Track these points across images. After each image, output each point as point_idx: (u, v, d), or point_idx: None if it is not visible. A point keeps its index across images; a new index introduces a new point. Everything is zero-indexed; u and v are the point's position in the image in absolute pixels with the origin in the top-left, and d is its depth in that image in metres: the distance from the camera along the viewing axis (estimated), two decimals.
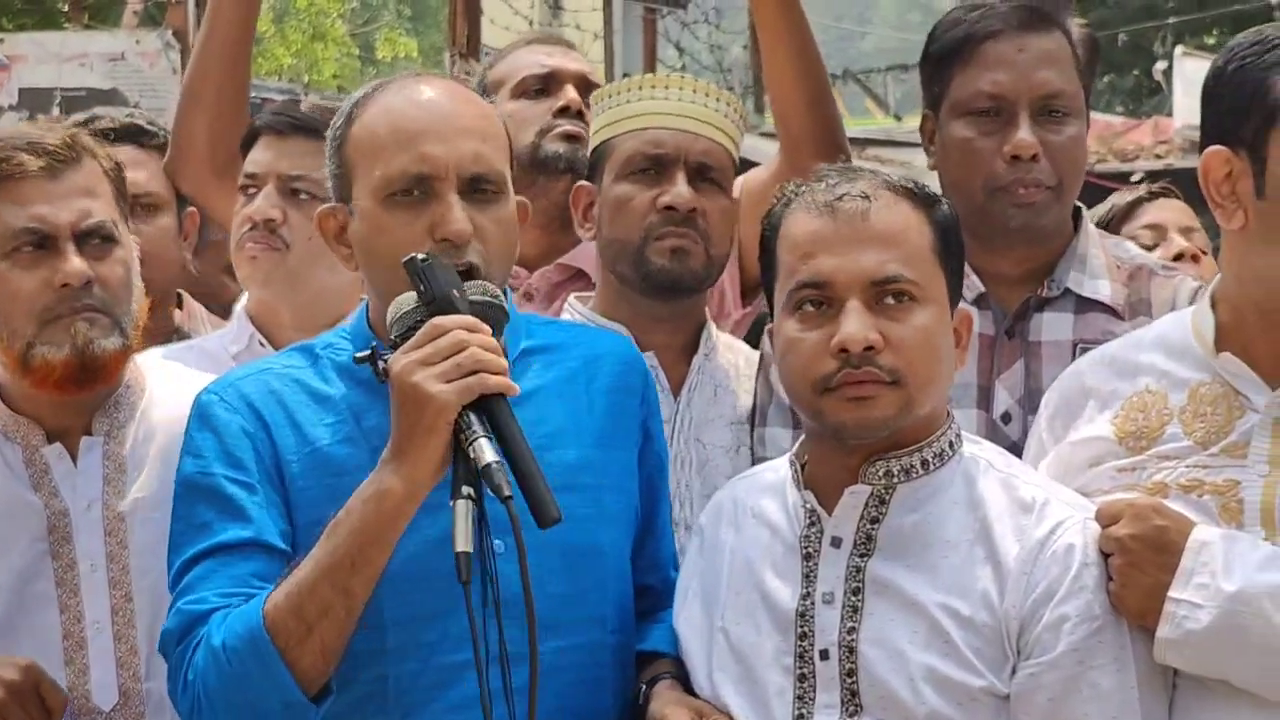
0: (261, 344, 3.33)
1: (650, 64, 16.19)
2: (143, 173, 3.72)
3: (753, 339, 3.30)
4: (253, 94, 3.83)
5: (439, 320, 2.27)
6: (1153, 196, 4.21)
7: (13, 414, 2.72)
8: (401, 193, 2.44)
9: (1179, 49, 16.27)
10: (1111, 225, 4.03)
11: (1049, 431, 2.63)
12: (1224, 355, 2.45)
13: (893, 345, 2.36)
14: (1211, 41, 19.36)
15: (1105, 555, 2.35)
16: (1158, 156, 13.15)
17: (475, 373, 2.23)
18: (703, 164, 3.06)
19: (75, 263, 2.65)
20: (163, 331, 3.63)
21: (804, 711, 2.37)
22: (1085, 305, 3.02)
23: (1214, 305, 2.49)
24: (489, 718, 2.19)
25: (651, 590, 2.63)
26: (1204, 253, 4.06)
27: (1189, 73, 13.69)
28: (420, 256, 2.33)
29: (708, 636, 2.49)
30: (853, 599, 2.38)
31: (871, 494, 2.42)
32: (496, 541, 2.24)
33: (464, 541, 2.18)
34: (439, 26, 23.00)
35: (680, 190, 3.03)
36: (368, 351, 2.36)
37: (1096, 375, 2.60)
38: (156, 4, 11.47)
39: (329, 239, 2.55)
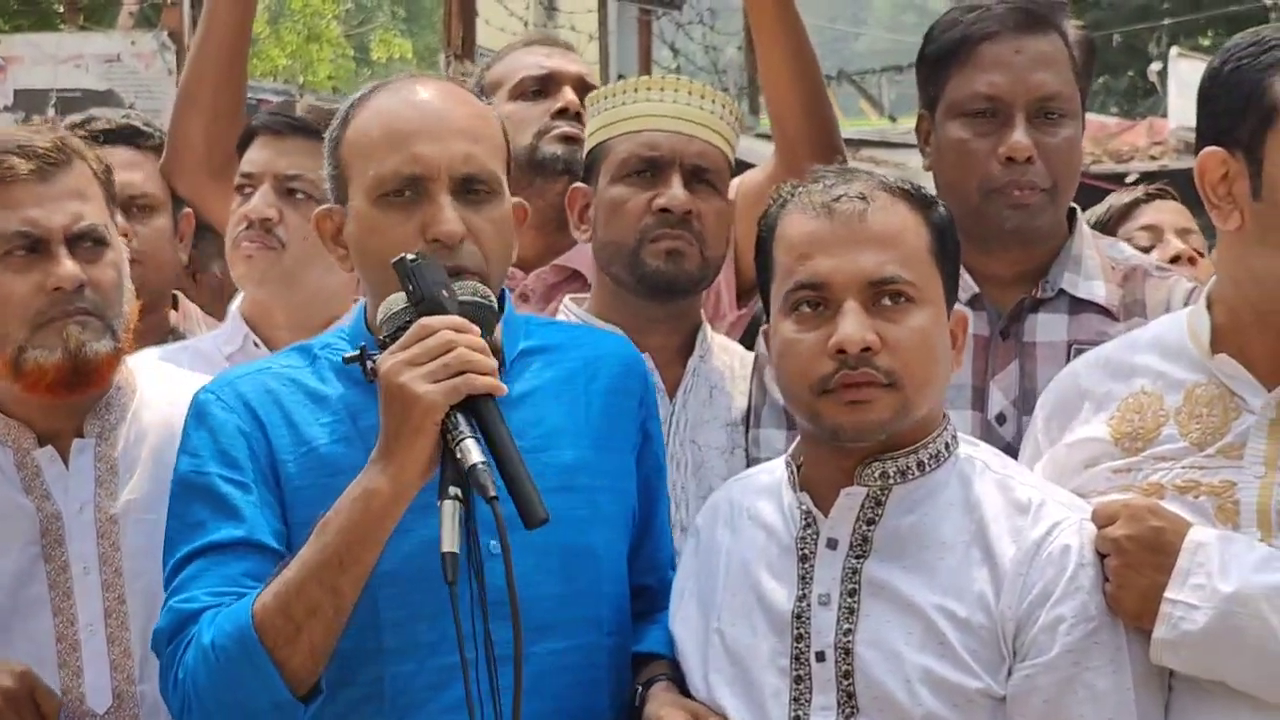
0: (256, 345, 3.33)
1: (645, 65, 16.21)
2: (138, 174, 3.72)
3: (748, 341, 3.30)
4: (248, 95, 3.83)
5: (427, 320, 2.27)
6: (1150, 198, 4.21)
7: (3, 417, 2.71)
8: (394, 193, 2.44)
9: (1174, 50, 16.29)
10: (1109, 226, 4.03)
11: (1044, 433, 2.63)
12: (1220, 356, 2.45)
13: (890, 346, 2.36)
14: (1206, 43, 19.40)
15: (1101, 556, 2.35)
16: (1152, 158, 13.17)
17: (462, 373, 2.23)
18: (698, 166, 3.07)
19: (68, 266, 2.65)
20: (158, 332, 3.63)
21: (800, 713, 2.37)
22: (1080, 306, 3.02)
23: (1210, 306, 2.49)
24: (473, 717, 2.19)
25: (649, 591, 2.63)
26: (1200, 254, 4.06)
27: (1184, 74, 13.72)
28: (409, 257, 2.32)
29: (703, 638, 2.49)
30: (849, 600, 2.38)
31: (867, 495, 2.41)
32: (493, 542, 2.24)
33: (450, 542, 2.17)
34: (434, 28, 23.00)
35: (675, 192, 3.03)
36: (356, 352, 2.37)
37: (1092, 377, 2.60)
38: (152, 5, 11.47)
39: (326, 240, 2.55)
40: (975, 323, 2.88)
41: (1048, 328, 3.02)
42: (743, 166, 3.33)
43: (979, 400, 2.99)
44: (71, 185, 2.70)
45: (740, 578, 2.48)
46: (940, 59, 3.05)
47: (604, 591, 2.52)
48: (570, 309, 3.18)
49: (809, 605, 2.40)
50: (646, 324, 3.05)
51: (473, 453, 2.19)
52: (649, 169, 3.06)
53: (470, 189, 2.45)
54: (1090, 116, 3.78)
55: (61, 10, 13.32)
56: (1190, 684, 2.36)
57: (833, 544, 2.41)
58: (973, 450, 2.48)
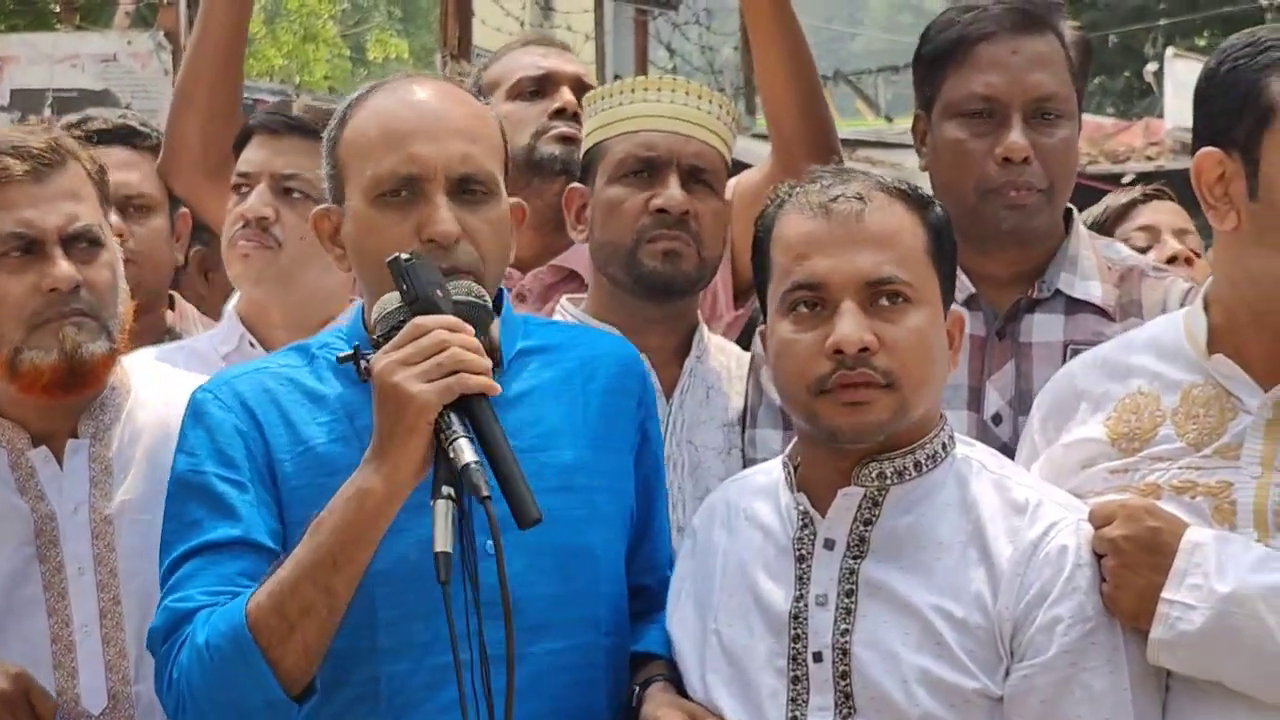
0: (252, 344, 3.33)
1: (641, 66, 16.21)
2: (135, 174, 3.72)
3: (745, 341, 3.30)
4: (244, 95, 3.83)
5: (421, 320, 2.27)
6: (1147, 199, 4.21)
7: None
8: (390, 193, 2.44)
9: (1170, 51, 16.29)
10: (1106, 227, 4.04)
11: (1041, 433, 2.63)
12: (1216, 357, 2.45)
13: (887, 347, 2.36)
14: (1202, 43, 19.40)
15: (1098, 557, 2.35)
16: (1148, 158, 13.17)
17: (456, 372, 2.23)
18: (695, 166, 3.06)
19: (63, 267, 2.64)
20: (155, 332, 3.63)
21: (797, 714, 2.37)
22: (1076, 306, 3.02)
23: (1206, 307, 2.49)
24: (466, 717, 2.19)
25: (648, 591, 2.62)
26: (1197, 255, 4.06)
27: (1180, 74, 13.72)
28: (404, 256, 2.32)
29: (700, 639, 2.49)
30: (846, 601, 2.38)
31: (865, 496, 2.41)
32: (489, 542, 2.23)
33: (443, 542, 2.17)
34: (430, 28, 22.98)
35: (673, 193, 3.03)
36: (351, 351, 2.37)
37: (1089, 377, 2.60)
38: (148, 5, 11.45)
39: (324, 240, 2.55)
40: (971, 323, 2.88)
41: (1044, 328, 3.02)
42: (739, 167, 3.33)
43: (975, 400, 2.99)
44: (66, 186, 2.69)
45: (737, 578, 2.48)
46: (937, 59, 3.05)
47: (602, 591, 2.51)
48: (567, 309, 3.18)
49: (806, 606, 2.40)
50: (643, 324, 3.05)
51: (466, 452, 2.19)
52: (646, 169, 3.06)
53: (467, 189, 2.45)
54: (1086, 117, 3.79)
55: (57, 10, 13.31)
56: (1187, 684, 2.36)
57: (830, 544, 2.41)
58: (970, 450, 2.48)
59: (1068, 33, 3.16)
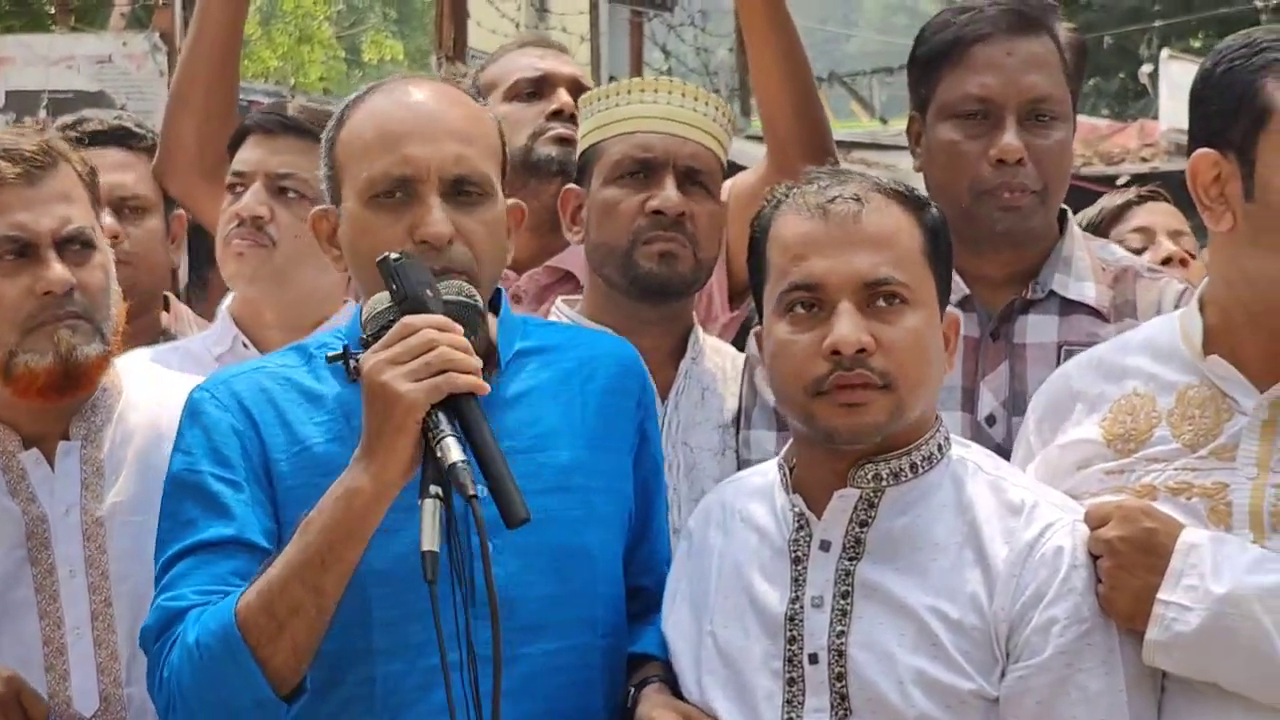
0: (245, 345, 3.33)
1: (636, 67, 16.23)
2: (130, 175, 3.71)
3: (740, 342, 3.30)
4: (240, 96, 3.82)
5: (409, 319, 2.27)
6: (1142, 200, 4.21)
7: None
8: (384, 194, 2.44)
9: (1165, 52, 16.30)
10: (1101, 228, 4.04)
11: (1037, 435, 2.63)
12: (1212, 358, 2.45)
13: (884, 347, 2.36)
14: (1197, 44, 19.41)
15: (1094, 558, 2.35)
16: (1143, 159, 13.18)
17: (444, 372, 2.23)
18: (691, 168, 3.06)
19: (58, 269, 2.64)
20: (149, 334, 3.62)
21: (793, 715, 2.37)
22: (1070, 307, 3.02)
23: (1202, 308, 2.49)
24: (454, 717, 2.19)
25: (645, 592, 2.62)
26: (1192, 256, 4.06)
27: (1175, 76, 13.73)
28: (393, 256, 2.32)
29: (696, 640, 2.48)
30: (842, 602, 2.38)
31: (860, 497, 2.41)
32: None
33: (430, 541, 2.17)
34: (425, 29, 22.99)
35: (668, 194, 3.03)
36: (340, 350, 2.37)
37: (1084, 378, 2.60)
38: (144, 6, 11.44)
39: (322, 241, 2.55)
40: (965, 324, 2.88)
41: (1038, 329, 3.02)
42: (734, 169, 3.32)
43: (969, 401, 2.99)
44: (58, 188, 2.69)
45: (733, 580, 2.48)
46: (931, 60, 3.05)
47: (599, 592, 2.51)
48: (562, 310, 3.18)
49: (802, 607, 2.39)
50: (639, 326, 3.05)
51: (453, 451, 2.19)
52: (642, 170, 3.06)
53: (461, 190, 2.45)
54: (1081, 118, 3.78)
55: (53, 11, 13.29)
56: (1183, 685, 2.36)
57: (825, 546, 2.41)
58: (965, 452, 2.48)
59: (1062, 34, 3.15)
